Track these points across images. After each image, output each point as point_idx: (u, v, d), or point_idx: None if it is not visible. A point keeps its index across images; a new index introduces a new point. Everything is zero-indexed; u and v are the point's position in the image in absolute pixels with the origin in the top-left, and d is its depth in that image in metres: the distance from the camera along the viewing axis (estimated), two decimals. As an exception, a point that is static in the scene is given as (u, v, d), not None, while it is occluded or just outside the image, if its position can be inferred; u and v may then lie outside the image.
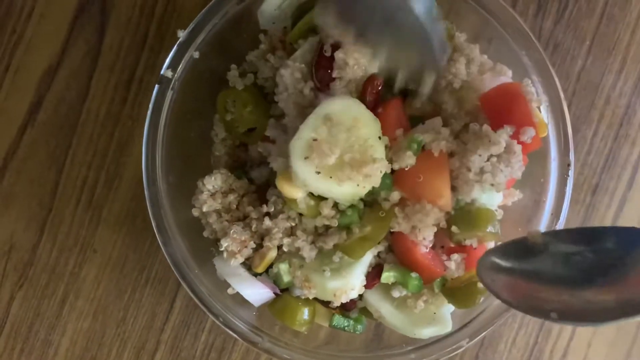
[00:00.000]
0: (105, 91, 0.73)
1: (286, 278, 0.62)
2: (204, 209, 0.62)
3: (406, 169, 0.58)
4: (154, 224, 0.62)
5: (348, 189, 0.57)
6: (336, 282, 0.60)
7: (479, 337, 0.62)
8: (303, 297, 0.63)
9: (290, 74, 0.60)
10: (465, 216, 0.59)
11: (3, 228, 0.74)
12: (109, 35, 0.73)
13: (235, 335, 0.63)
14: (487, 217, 0.59)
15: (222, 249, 0.61)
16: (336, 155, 0.55)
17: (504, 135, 0.57)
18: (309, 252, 0.60)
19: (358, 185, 0.56)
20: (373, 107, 0.59)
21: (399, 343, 0.65)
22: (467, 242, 0.60)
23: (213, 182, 0.62)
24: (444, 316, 0.63)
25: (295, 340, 0.65)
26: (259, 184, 0.66)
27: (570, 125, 0.62)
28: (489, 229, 0.59)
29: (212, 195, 0.62)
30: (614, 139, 0.74)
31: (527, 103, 0.59)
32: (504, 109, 0.59)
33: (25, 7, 0.73)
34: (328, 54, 0.59)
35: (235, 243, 0.61)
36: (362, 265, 0.61)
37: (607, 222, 0.74)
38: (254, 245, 0.62)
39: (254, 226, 0.61)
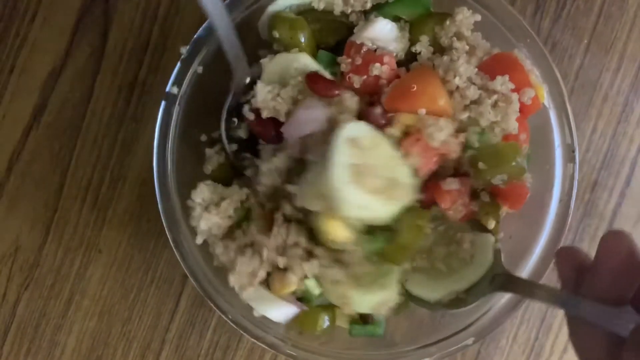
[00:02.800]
0: (109, 93, 0.74)
1: (316, 291, 0.61)
2: (203, 226, 0.61)
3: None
4: (170, 240, 0.62)
5: (392, 208, 0.56)
6: (376, 295, 0.58)
7: (484, 337, 0.63)
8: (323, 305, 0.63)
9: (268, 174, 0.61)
10: (490, 151, 0.58)
11: (9, 230, 0.75)
12: (112, 38, 0.74)
13: (245, 335, 0.63)
14: (514, 150, 0.58)
15: (231, 285, 0.60)
16: (379, 175, 0.56)
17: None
18: (336, 274, 0.59)
19: (395, 204, 0.56)
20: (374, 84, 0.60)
21: (403, 341, 0.65)
22: (495, 182, 0.59)
23: (200, 195, 0.61)
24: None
25: (300, 337, 0.65)
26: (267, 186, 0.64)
27: (571, 112, 0.63)
28: (518, 161, 0.58)
29: (206, 208, 0.62)
30: (612, 136, 0.75)
31: (523, 67, 0.60)
32: (502, 74, 0.60)
33: (29, 10, 0.74)
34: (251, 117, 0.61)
35: (243, 277, 0.60)
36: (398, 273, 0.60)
37: (606, 219, 0.75)
38: (264, 275, 0.60)
39: (264, 255, 0.59)
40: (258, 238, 0.60)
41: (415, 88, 0.58)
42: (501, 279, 0.55)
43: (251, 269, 0.59)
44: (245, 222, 0.62)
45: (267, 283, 0.62)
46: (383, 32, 0.61)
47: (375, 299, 0.58)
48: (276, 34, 0.62)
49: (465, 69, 0.59)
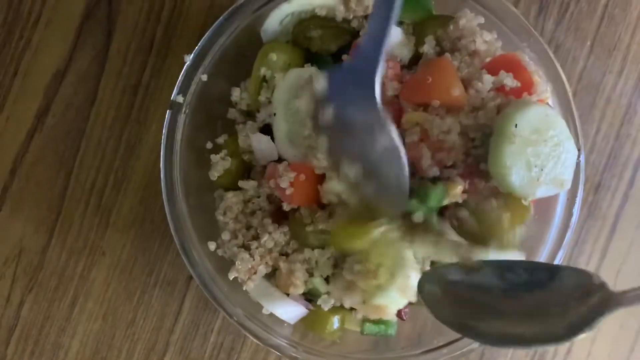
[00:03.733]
0: (113, 95, 0.74)
1: (323, 289, 0.62)
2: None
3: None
4: (177, 244, 0.63)
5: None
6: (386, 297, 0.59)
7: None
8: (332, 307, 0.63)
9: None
10: None
11: (13, 232, 0.75)
12: (115, 40, 0.74)
13: (249, 336, 0.64)
14: None
15: (231, 278, 0.62)
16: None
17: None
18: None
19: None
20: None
21: (407, 345, 0.65)
22: None
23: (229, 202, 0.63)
24: None
25: (304, 342, 0.66)
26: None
27: (575, 110, 0.63)
28: None
29: (235, 217, 0.64)
30: (616, 138, 0.75)
31: (526, 68, 0.61)
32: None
33: (33, 12, 0.74)
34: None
35: (242, 272, 0.61)
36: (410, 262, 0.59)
37: (609, 220, 0.75)
38: (264, 271, 0.62)
39: (266, 251, 0.62)
40: (265, 222, 0.62)
41: (430, 80, 0.59)
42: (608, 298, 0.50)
43: (250, 265, 0.61)
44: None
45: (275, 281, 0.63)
46: None
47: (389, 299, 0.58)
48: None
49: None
